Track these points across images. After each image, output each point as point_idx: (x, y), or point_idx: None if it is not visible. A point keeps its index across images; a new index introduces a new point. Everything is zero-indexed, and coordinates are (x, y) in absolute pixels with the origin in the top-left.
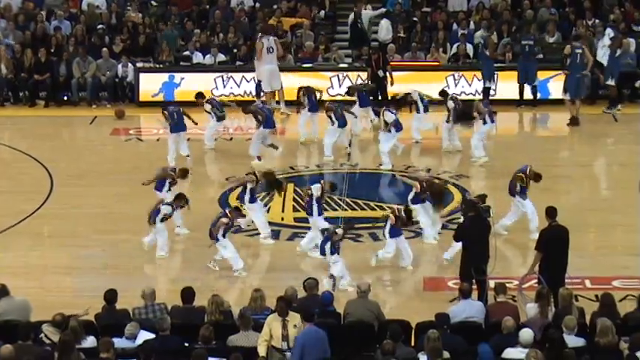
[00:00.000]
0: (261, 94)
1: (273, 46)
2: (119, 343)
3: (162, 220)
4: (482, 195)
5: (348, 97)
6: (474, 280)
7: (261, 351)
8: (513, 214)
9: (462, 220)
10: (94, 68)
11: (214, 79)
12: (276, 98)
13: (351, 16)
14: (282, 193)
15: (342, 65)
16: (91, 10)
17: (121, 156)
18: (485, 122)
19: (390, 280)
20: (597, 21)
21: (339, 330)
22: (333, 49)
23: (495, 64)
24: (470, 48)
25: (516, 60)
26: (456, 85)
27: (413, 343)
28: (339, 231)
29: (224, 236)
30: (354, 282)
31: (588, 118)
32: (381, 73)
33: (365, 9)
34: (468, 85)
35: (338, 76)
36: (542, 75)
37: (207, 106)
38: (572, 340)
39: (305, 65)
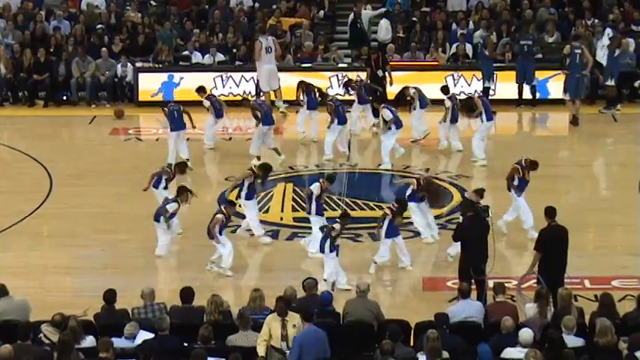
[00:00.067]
0: (261, 93)
1: (272, 46)
2: (118, 342)
3: (167, 220)
4: (479, 189)
5: (347, 97)
6: (472, 280)
7: (261, 351)
8: (514, 210)
9: (460, 220)
10: (94, 68)
11: (213, 79)
12: (272, 97)
13: (351, 16)
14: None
15: (341, 65)
16: (90, 10)
17: (121, 156)
18: (482, 120)
19: (389, 279)
20: (596, 21)
21: (338, 330)
22: (332, 49)
23: (495, 64)
24: (469, 48)
25: (515, 60)
26: (455, 85)
27: (412, 343)
28: (337, 226)
29: (221, 233)
30: (352, 281)
31: (588, 118)
32: (380, 73)
33: (365, 9)
34: (467, 85)
35: (337, 76)
36: (541, 75)
37: (206, 103)
38: (572, 340)
39: (304, 65)
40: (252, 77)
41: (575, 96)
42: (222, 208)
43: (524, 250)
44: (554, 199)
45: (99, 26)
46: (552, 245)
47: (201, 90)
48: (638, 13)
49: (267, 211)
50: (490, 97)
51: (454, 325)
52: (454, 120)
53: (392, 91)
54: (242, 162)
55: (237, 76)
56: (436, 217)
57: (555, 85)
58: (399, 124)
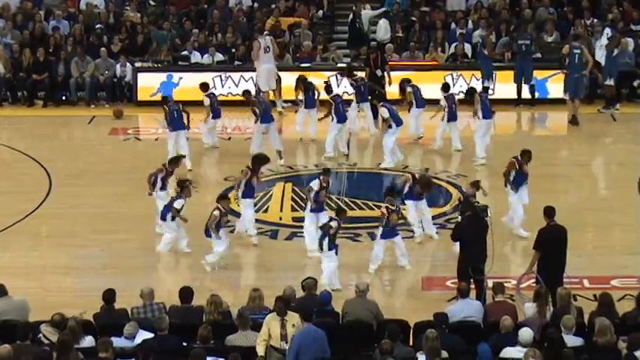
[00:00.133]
0: (261, 93)
1: (270, 46)
2: (118, 342)
3: (173, 219)
4: (475, 181)
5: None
6: (471, 280)
7: (260, 350)
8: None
9: (459, 219)
10: (93, 68)
11: (212, 79)
12: (271, 97)
13: (351, 15)
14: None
15: (340, 65)
16: (89, 10)
17: (120, 156)
18: (479, 118)
19: (388, 279)
20: (595, 20)
21: (337, 329)
22: (331, 49)
23: (494, 64)
24: (468, 47)
25: (514, 59)
26: (454, 85)
27: (411, 343)
28: (334, 224)
29: (218, 230)
30: (351, 281)
31: (587, 117)
32: (379, 72)
33: (364, 9)
34: (466, 85)
35: (336, 75)
36: (540, 74)
37: (206, 101)
38: (571, 340)
39: (303, 65)
40: (252, 77)
41: (575, 96)
42: (218, 205)
43: (523, 250)
44: (553, 199)
45: (98, 26)
46: (551, 245)
47: (204, 87)
48: (637, 13)
49: (266, 211)
50: (489, 97)
51: (453, 325)
52: (453, 119)
53: (391, 90)
54: (241, 162)
55: (236, 75)
56: (435, 217)
57: (554, 85)
58: (399, 122)
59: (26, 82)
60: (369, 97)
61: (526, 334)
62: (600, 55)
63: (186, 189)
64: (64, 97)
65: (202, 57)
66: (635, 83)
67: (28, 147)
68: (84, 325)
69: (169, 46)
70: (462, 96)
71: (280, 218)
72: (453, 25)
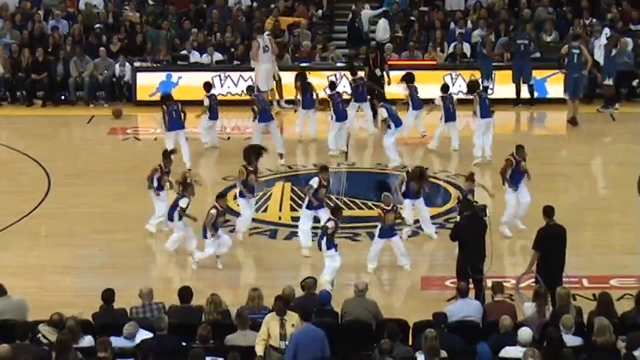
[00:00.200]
0: (261, 93)
1: (269, 45)
2: (117, 342)
3: (180, 218)
4: (469, 175)
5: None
6: (470, 279)
7: (259, 350)
8: (522, 202)
9: (458, 219)
10: (92, 67)
11: (212, 78)
12: (270, 97)
13: (350, 15)
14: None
15: (339, 64)
16: (88, 10)
17: (119, 155)
18: (477, 117)
19: (387, 279)
20: (595, 20)
21: (336, 329)
22: (330, 49)
23: (493, 64)
24: (467, 47)
25: (512, 59)
26: (453, 85)
27: (410, 343)
28: (330, 224)
29: (216, 230)
30: (350, 281)
31: (586, 117)
32: (378, 72)
33: (363, 8)
34: (465, 84)
35: (335, 75)
36: (539, 74)
37: (206, 101)
38: (570, 339)
39: (302, 65)
40: (251, 77)
41: (574, 96)
42: (215, 203)
43: (521, 250)
44: (553, 198)
45: (97, 26)
46: (551, 244)
47: (207, 86)
48: (636, 13)
49: (265, 211)
50: (489, 97)
51: (452, 325)
52: (451, 119)
53: (390, 90)
54: (241, 162)
55: (235, 75)
56: (434, 217)
57: (553, 85)
58: (398, 123)
59: (25, 81)
60: (369, 97)
61: (525, 333)
62: (599, 55)
63: (189, 187)
64: (63, 97)
65: (201, 56)
66: (634, 83)
67: (27, 147)
68: (83, 324)
69: (168, 45)
70: (462, 95)
71: (279, 218)
72: (452, 25)
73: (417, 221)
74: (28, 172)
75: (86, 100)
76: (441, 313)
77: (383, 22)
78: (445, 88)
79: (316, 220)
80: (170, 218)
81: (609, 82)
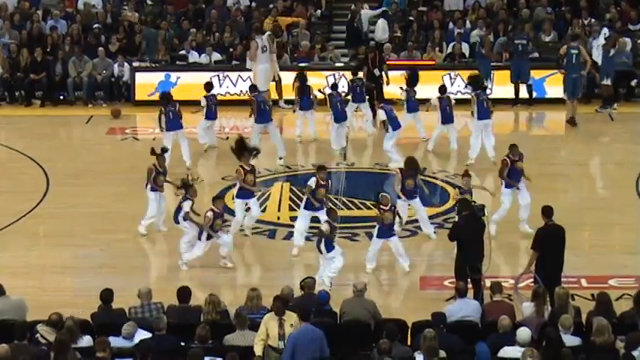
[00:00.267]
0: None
1: (267, 45)
2: (116, 342)
3: (185, 219)
4: (465, 171)
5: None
6: (469, 279)
7: (258, 350)
8: (521, 204)
9: (456, 219)
10: (90, 67)
11: (210, 78)
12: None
13: (350, 15)
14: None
15: (338, 64)
16: (87, 10)
17: (118, 155)
18: (474, 117)
19: (386, 279)
20: (593, 20)
21: (335, 329)
22: (329, 49)
23: (492, 64)
24: (466, 47)
25: (511, 59)
26: (452, 85)
27: (409, 342)
28: (324, 227)
29: (216, 231)
30: (349, 281)
31: (584, 117)
32: (377, 72)
33: (363, 8)
34: (464, 84)
35: (334, 75)
36: (537, 74)
37: (203, 101)
38: (569, 339)
39: (301, 65)
40: (249, 77)
41: (573, 96)
42: (212, 205)
43: (521, 250)
44: (552, 198)
45: (95, 26)
46: (549, 244)
47: (207, 86)
48: (635, 13)
49: (264, 211)
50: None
51: (451, 325)
52: (449, 121)
53: (389, 90)
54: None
55: (234, 75)
56: (432, 217)
57: (552, 85)
58: (395, 126)
59: (24, 81)
60: (367, 97)
61: (524, 333)
62: (597, 55)
63: (190, 189)
64: (61, 97)
65: (200, 56)
66: (633, 83)
67: (25, 147)
68: (81, 324)
69: (167, 45)
70: (460, 95)
71: (278, 218)
72: (451, 25)
73: (415, 221)
74: (27, 172)
75: (85, 100)
76: (439, 313)
77: (382, 22)
78: (442, 89)
79: (315, 219)
80: (176, 221)
81: (607, 82)
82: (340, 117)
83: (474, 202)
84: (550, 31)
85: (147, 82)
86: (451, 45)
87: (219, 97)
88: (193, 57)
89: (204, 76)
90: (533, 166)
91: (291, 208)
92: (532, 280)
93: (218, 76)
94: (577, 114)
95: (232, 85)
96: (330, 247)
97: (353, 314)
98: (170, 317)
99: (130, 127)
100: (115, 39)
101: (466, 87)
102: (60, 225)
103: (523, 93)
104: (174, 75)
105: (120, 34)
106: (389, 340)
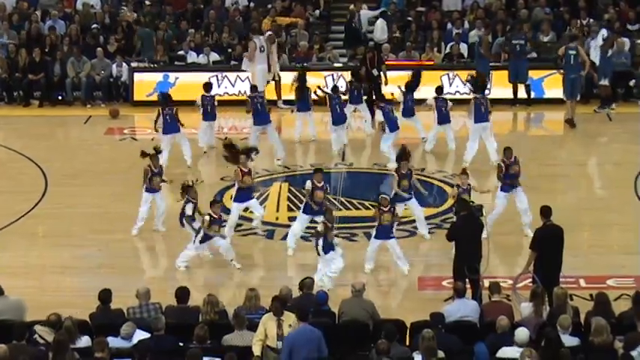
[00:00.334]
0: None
1: (265, 45)
2: (114, 342)
3: (189, 222)
4: (462, 170)
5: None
6: (467, 279)
7: (256, 350)
8: (519, 209)
9: (454, 219)
10: (89, 68)
11: (209, 79)
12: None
13: (348, 15)
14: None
15: (336, 65)
16: (85, 10)
17: (116, 155)
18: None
19: (384, 279)
20: (592, 20)
21: (333, 329)
22: (327, 49)
23: (490, 64)
24: (464, 47)
25: (509, 59)
26: (450, 85)
27: (408, 343)
28: (319, 228)
29: (209, 237)
30: (348, 281)
31: (583, 117)
32: (375, 72)
33: (361, 9)
34: (462, 85)
35: (332, 75)
36: (536, 74)
37: (198, 100)
38: (567, 340)
39: (300, 65)
40: (248, 77)
41: (571, 97)
42: (210, 209)
43: (520, 250)
44: (550, 199)
45: (94, 26)
46: (548, 244)
47: (206, 86)
48: (633, 13)
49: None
50: (488, 97)
51: (450, 325)
52: (445, 122)
53: (388, 90)
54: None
55: (232, 75)
56: (430, 217)
57: (550, 85)
58: (393, 128)
59: (22, 82)
60: (365, 98)
61: (522, 333)
62: (595, 56)
63: (191, 191)
64: (60, 97)
65: (198, 57)
66: (631, 83)
67: (24, 147)
68: (80, 325)
69: (165, 46)
70: (458, 96)
71: (277, 218)
72: (449, 25)
73: (413, 221)
74: (25, 173)
75: (83, 100)
76: (438, 313)
77: (380, 23)
78: (439, 90)
79: (315, 221)
80: (182, 224)
81: (605, 82)
82: (339, 119)
83: (472, 202)
84: (548, 31)
85: (145, 83)
86: (449, 45)
87: (217, 98)
88: (192, 57)
89: (203, 77)
90: (531, 167)
91: (289, 209)
92: (530, 280)
93: (216, 76)
94: (575, 114)
95: (231, 85)
96: (327, 249)
97: (351, 314)
98: (168, 317)
99: (128, 127)
100: (114, 39)
101: (465, 85)
102: (58, 225)
103: (522, 93)
104: (172, 75)
105: (118, 34)
106: (387, 340)
